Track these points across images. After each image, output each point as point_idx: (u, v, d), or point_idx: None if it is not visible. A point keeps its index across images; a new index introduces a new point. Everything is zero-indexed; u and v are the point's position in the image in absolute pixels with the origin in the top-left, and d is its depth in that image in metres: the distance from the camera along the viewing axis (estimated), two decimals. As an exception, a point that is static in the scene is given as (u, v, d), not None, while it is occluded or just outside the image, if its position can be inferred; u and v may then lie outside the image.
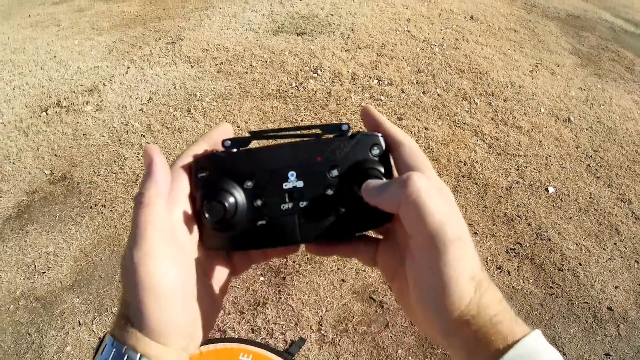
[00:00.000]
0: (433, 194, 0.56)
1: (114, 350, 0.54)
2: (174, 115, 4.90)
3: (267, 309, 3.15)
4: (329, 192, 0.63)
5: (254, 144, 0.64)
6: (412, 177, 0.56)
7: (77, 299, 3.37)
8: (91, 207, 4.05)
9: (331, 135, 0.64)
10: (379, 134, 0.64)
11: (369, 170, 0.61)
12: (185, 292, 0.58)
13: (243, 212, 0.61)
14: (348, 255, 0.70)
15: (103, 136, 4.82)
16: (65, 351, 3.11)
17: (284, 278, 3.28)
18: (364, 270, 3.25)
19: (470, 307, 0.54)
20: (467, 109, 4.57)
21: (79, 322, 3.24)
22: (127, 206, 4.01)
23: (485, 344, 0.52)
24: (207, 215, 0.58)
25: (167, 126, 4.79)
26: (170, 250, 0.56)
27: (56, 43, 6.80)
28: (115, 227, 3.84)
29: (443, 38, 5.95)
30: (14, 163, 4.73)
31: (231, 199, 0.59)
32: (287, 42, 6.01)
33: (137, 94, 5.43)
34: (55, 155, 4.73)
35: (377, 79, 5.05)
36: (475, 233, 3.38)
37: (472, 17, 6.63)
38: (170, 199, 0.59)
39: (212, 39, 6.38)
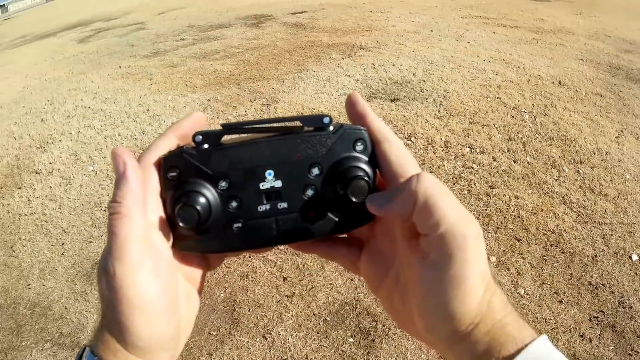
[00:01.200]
0: (445, 192, 0.56)
1: None
2: (272, 180, 5.05)
3: (355, 370, 3.26)
4: (309, 192, 0.62)
5: (227, 139, 0.63)
6: (421, 176, 0.56)
7: (164, 347, 3.51)
8: None
9: (312, 128, 0.63)
10: (364, 129, 0.63)
11: (352, 169, 0.60)
12: (168, 303, 0.57)
13: (217, 215, 0.60)
14: (328, 257, 0.69)
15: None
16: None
17: (373, 340, 3.32)
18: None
19: (481, 308, 0.54)
20: (556, 177, 4.67)
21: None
22: (226, 261, 4.05)
23: (495, 347, 0.53)
24: (180, 222, 0.57)
25: (263, 189, 4.94)
26: (151, 261, 0.56)
27: (149, 97, 7.20)
28: (208, 281, 3.90)
29: (532, 105, 6.07)
30: (104, 210, 4.93)
31: (204, 202, 0.58)
32: (382, 108, 6.19)
33: (233, 153, 5.63)
34: (147, 205, 4.97)
35: (469, 147, 5.19)
36: (561, 302, 3.44)
37: (559, 83, 6.75)
38: (142, 201, 0.58)
39: (307, 103, 6.58)
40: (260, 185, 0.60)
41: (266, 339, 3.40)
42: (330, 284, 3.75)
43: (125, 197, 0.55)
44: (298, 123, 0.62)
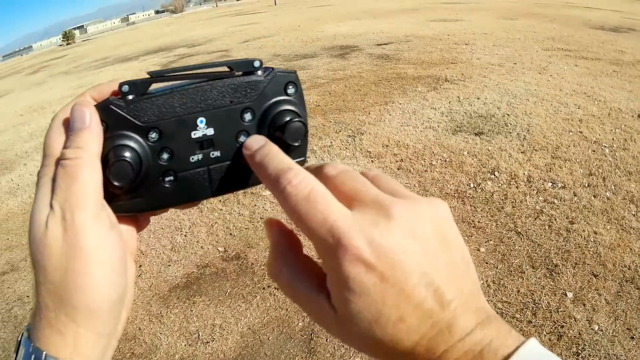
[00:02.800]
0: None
1: (33, 357, 0.49)
2: (353, 209, 5.08)
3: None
4: (243, 138, 0.60)
5: (155, 87, 0.58)
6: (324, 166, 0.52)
7: (238, 373, 3.47)
8: (264, 289, 4.21)
9: (241, 73, 0.61)
10: (294, 72, 0.62)
11: (287, 113, 0.60)
12: (120, 259, 0.54)
13: (149, 169, 0.57)
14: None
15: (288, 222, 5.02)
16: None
17: None
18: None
19: (418, 341, 0.44)
20: (633, 213, 4.64)
21: (237, 394, 3.45)
22: None
23: None
24: (114, 180, 0.53)
25: (346, 219, 4.97)
26: (105, 214, 0.53)
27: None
28: (287, 310, 3.95)
29: (613, 139, 6.04)
30: (185, 235, 5.06)
31: (135, 157, 0.55)
32: (466, 142, 6.28)
33: (318, 183, 5.69)
34: (230, 234, 5.01)
35: (551, 182, 5.21)
36: (632, 338, 3.33)
37: (639, 116, 6.72)
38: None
39: (393, 135, 6.67)
40: (192, 134, 0.58)
41: (342, 370, 3.39)
42: (411, 312, 3.73)
43: (88, 145, 0.52)
44: (227, 68, 0.61)
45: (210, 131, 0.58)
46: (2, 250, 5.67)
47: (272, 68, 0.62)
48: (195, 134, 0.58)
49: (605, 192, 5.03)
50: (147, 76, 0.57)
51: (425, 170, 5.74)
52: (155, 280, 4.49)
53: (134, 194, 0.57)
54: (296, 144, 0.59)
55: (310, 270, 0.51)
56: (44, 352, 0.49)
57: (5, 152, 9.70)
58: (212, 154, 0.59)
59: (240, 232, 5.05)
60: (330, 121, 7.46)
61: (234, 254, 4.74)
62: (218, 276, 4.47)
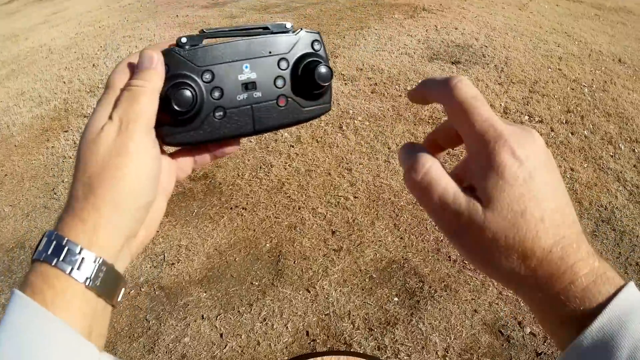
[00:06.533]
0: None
1: (54, 242, 0.54)
2: (325, 130, 4.99)
3: (397, 329, 3.11)
4: (279, 82, 0.69)
5: (206, 42, 0.68)
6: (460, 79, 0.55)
7: (204, 294, 3.44)
8: (231, 209, 4.14)
9: (277, 32, 0.71)
10: (318, 32, 0.72)
11: (315, 61, 0.68)
12: (151, 171, 0.60)
13: (203, 104, 0.65)
14: None
15: (250, 141, 4.93)
16: (183, 342, 3.17)
17: (418, 301, 3.25)
18: (497, 304, 3.20)
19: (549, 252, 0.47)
20: (611, 154, 4.57)
21: (202, 316, 3.30)
22: (269, 212, 4.05)
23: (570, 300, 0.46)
24: (175, 105, 0.61)
25: (317, 139, 4.89)
26: (153, 135, 0.61)
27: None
28: (254, 230, 3.89)
29: (592, 79, 5.91)
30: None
31: (193, 91, 0.63)
32: (442, 70, 6.11)
33: (290, 104, 5.54)
34: (198, 153, 4.89)
35: (529, 115, 5.11)
36: None
37: (619, 60, 6.54)
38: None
39: (367, 59, 6.49)
40: (239, 76, 0.67)
41: (309, 292, 3.37)
42: (380, 240, 3.67)
43: (153, 80, 0.60)
44: (266, 28, 0.71)
45: (254, 75, 0.68)
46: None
47: (301, 29, 0.72)
48: (241, 77, 0.68)
49: (583, 130, 4.93)
50: (199, 33, 0.68)
51: (400, 95, 5.60)
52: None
53: (188, 126, 0.66)
54: (325, 84, 0.68)
55: (450, 175, 0.55)
56: (66, 238, 0.54)
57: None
58: (255, 94, 0.69)
59: (209, 151, 4.84)
60: (304, 43, 7.19)
61: (201, 173, 4.64)
62: (185, 196, 4.38)
